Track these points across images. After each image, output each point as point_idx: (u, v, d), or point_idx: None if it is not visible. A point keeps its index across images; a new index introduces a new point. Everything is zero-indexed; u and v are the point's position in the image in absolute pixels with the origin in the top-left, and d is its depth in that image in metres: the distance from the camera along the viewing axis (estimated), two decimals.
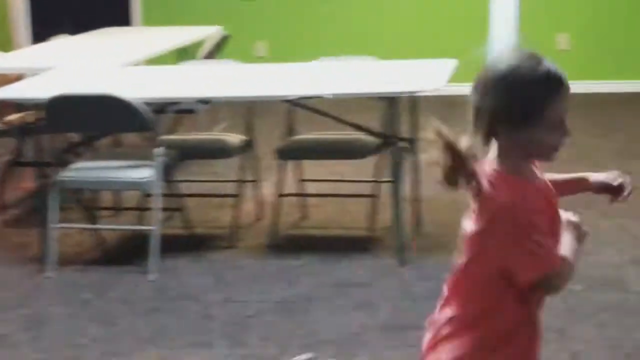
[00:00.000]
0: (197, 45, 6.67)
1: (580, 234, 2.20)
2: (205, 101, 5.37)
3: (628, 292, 4.32)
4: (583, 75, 8.46)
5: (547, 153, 2.16)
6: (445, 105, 7.36)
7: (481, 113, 2.10)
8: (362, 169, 5.16)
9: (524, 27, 7.95)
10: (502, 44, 4.86)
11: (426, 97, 4.96)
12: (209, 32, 6.63)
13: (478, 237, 2.09)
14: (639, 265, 4.62)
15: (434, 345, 2.23)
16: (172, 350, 3.84)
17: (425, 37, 8.30)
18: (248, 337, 3.93)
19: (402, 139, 4.84)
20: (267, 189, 5.31)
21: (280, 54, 7.92)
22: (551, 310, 4.08)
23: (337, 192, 5.37)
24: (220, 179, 5.45)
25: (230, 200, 5.14)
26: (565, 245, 2.15)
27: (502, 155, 2.10)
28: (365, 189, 5.10)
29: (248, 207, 5.31)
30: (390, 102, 4.75)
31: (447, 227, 5.14)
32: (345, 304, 4.24)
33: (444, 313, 2.21)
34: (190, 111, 5.92)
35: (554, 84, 2.09)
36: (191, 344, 3.90)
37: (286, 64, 5.77)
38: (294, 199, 5.35)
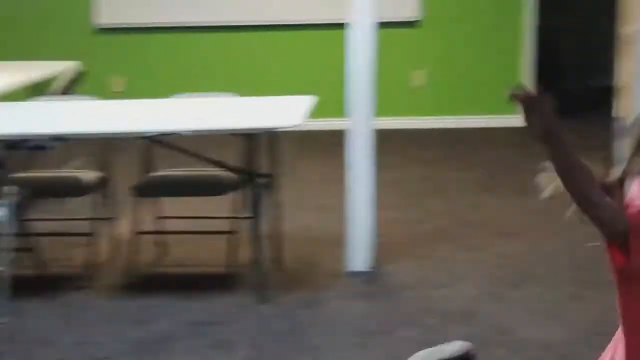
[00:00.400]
0: (51, 80, 6.57)
1: None
2: (59, 138, 5.28)
3: (481, 324, 4.40)
4: (438, 111, 8.69)
5: None
6: (305, 139, 7.51)
7: None
8: (221, 205, 5.15)
9: (380, 65, 8.14)
10: (361, 82, 4.93)
11: (285, 133, 5.01)
12: (64, 67, 6.54)
13: None
14: (493, 299, 4.71)
15: None
16: None
17: (284, 75, 8.38)
18: None
19: (261, 175, 4.89)
20: (124, 227, 5.26)
21: (137, 90, 7.90)
22: (407, 341, 4.20)
23: (195, 230, 5.35)
24: (75, 217, 5.36)
25: (84, 239, 5.07)
26: None
27: None
28: (225, 225, 5.09)
29: (103, 245, 5.23)
30: (249, 139, 4.79)
31: (307, 264, 5.22)
32: (203, 343, 4.21)
33: None
34: (43, 148, 5.84)
35: None
36: None
37: (143, 99, 5.74)
38: (151, 236, 5.29)
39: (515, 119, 8.57)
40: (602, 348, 4.00)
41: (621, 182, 2.20)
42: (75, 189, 5.14)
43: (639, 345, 2.18)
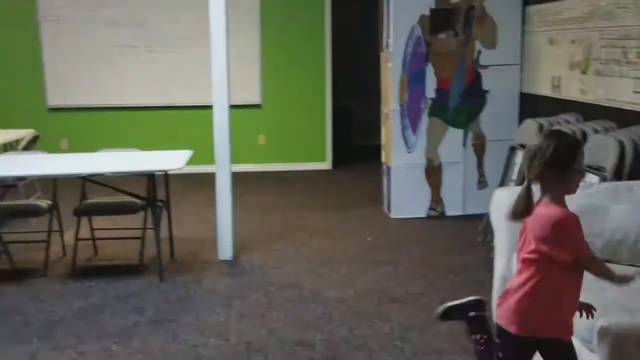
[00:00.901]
0: (19, 141, 6.44)
1: (620, 279, 2.32)
2: (22, 178, 5.22)
3: (302, 290, 4.52)
4: (274, 160, 8.82)
5: (575, 188, 2.32)
6: (185, 179, 7.55)
7: (535, 166, 2.28)
8: (134, 221, 5.14)
9: (239, 131, 8.24)
10: (222, 142, 5.01)
11: (174, 175, 5.08)
12: (26, 133, 6.43)
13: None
14: (309, 274, 4.84)
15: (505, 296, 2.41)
16: None
17: (171, 137, 8.36)
18: (56, 334, 3.85)
19: (159, 201, 4.94)
20: (69, 236, 5.17)
21: (75, 148, 7.78)
22: (256, 302, 4.27)
23: (117, 237, 5.30)
24: (36, 230, 5.25)
25: (43, 244, 4.95)
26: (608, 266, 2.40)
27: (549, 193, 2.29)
28: (137, 233, 5.08)
29: (55, 248, 5.13)
30: (150, 177, 4.82)
31: (191, 256, 5.27)
32: (124, 308, 4.23)
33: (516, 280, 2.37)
34: (13, 186, 5.76)
35: (579, 145, 2.32)
36: (11, 341, 3.79)
37: (79, 153, 5.69)
38: (88, 242, 5.25)
39: (319, 165, 8.82)
40: (380, 302, 4.22)
41: (528, 186, 2.34)
42: (35, 212, 5.06)
43: (544, 288, 2.30)
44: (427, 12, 6.07)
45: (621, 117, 4.62)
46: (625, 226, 3.32)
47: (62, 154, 6.10)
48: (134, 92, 8.54)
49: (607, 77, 4.81)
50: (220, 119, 5.05)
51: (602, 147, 4.27)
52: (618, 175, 4.11)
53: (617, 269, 2.54)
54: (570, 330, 2.37)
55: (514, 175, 5.54)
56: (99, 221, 5.32)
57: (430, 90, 6.20)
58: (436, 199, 6.34)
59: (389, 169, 6.38)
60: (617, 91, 4.69)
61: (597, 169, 4.29)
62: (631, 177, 4.04)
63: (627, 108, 4.56)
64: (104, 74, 8.48)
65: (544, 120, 5.41)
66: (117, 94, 8.53)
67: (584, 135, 4.71)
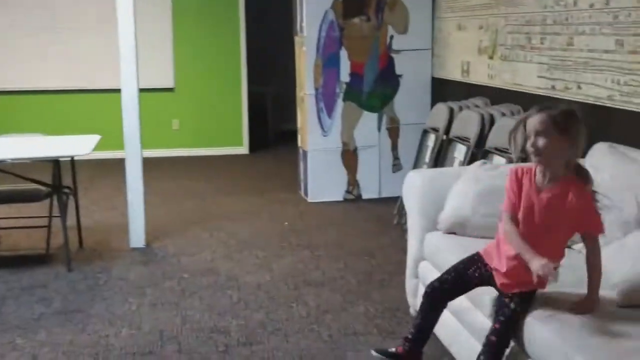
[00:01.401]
0: None
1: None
2: None
3: (218, 276, 4.50)
4: (189, 145, 8.75)
5: None
6: (94, 165, 7.39)
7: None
8: (40, 208, 5.01)
9: (152, 115, 8.11)
10: (131, 126, 4.92)
11: (80, 160, 4.97)
12: None
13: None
14: (226, 259, 4.82)
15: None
16: None
17: (79, 122, 8.14)
18: None
19: (65, 187, 4.81)
20: None
21: None
22: (169, 289, 4.23)
23: (22, 225, 5.15)
24: None
25: None
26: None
27: None
28: (43, 222, 4.96)
29: None
30: (56, 163, 4.70)
31: (101, 244, 5.17)
32: (30, 300, 4.10)
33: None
34: None
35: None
36: None
37: None
38: None
39: (236, 149, 8.80)
40: (296, 285, 4.25)
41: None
42: None
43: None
44: None
45: (526, 101, 4.77)
46: None
47: None
48: (37, 75, 8.28)
49: (512, 62, 4.96)
50: (129, 102, 4.96)
51: (508, 130, 4.41)
52: (523, 157, 4.25)
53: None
54: None
55: (427, 158, 5.67)
56: (3, 210, 5.14)
57: (344, 75, 6.26)
58: (352, 182, 6.42)
59: (305, 153, 6.42)
60: (522, 76, 4.84)
61: (503, 151, 4.44)
62: None
63: (531, 92, 4.72)
64: (7, 56, 8.17)
65: (454, 104, 5.56)
66: (18, 76, 8.25)
67: (492, 119, 4.86)
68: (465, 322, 2.94)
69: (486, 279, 2.67)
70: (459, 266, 2.79)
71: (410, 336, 2.89)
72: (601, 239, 2.88)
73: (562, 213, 2.46)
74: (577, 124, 2.45)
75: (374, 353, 3.04)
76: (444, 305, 2.84)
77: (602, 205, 3.07)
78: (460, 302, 2.87)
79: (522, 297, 2.52)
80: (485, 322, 2.64)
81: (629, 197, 2.98)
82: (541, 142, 2.39)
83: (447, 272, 2.82)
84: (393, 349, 2.96)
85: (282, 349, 3.45)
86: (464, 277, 2.75)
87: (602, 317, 2.40)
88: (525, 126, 2.46)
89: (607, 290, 2.56)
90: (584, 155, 3.53)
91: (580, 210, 2.45)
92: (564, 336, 2.30)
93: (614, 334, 2.28)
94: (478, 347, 2.57)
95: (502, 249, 2.62)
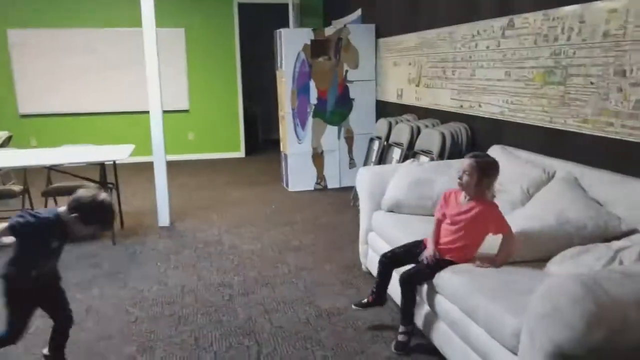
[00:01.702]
0: None
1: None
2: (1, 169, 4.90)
3: (223, 246, 4.49)
4: (200, 151, 8.68)
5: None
6: (131, 167, 7.33)
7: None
8: None
9: (170, 130, 8.04)
10: (157, 138, 4.89)
11: (120, 164, 4.92)
12: (2, 134, 5.98)
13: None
14: (229, 234, 4.81)
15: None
16: None
17: (119, 135, 8.05)
18: None
19: (109, 183, 4.78)
20: None
21: (45, 144, 7.38)
22: (188, 256, 4.20)
23: None
24: (12, 209, 4.93)
25: None
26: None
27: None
28: None
29: None
30: (102, 165, 4.67)
31: (138, 224, 5.12)
32: (87, 264, 4.08)
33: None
34: None
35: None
36: None
37: (45, 148, 5.38)
38: None
39: (235, 154, 8.75)
40: (280, 251, 4.26)
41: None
42: (11, 194, 4.79)
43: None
44: (308, 42, 6.12)
45: (443, 116, 4.83)
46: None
47: (31, 149, 5.72)
48: (90, 101, 8.18)
49: (433, 89, 5.02)
50: (156, 120, 4.93)
51: (430, 137, 4.47)
52: (441, 156, 4.32)
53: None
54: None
55: (373, 158, 5.72)
56: (63, 200, 5.06)
57: (313, 98, 6.26)
58: (320, 176, 6.44)
59: (286, 155, 6.43)
60: (439, 98, 4.89)
61: (427, 152, 4.50)
62: (450, 157, 4.26)
63: (446, 110, 4.78)
64: (65, 88, 8.06)
65: (392, 119, 5.60)
66: (76, 103, 8.14)
67: (419, 129, 4.91)
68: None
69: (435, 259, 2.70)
70: (408, 244, 2.84)
71: (374, 290, 2.97)
72: None
73: (479, 222, 2.59)
74: (494, 170, 2.60)
75: (354, 307, 3.06)
76: (393, 269, 2.87)
77: (498, 190, 3.14)
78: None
79: (438, 262, 2.62)
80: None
81: (515, 183, 3.05)
82: (466, 178, 2.57)
83: (399, 247, 2.88)
84: (365, 300, 3.00)
85: (270, 296, 3.48)
86: (410, 252, 2.78)
87: (497, 269, 2.47)
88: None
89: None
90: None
91: (493, 219, 2.58)
92: (468, 281, 2.36)
93: (507, 280, 2.34)
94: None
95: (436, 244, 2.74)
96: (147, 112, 4.96)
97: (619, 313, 1.65)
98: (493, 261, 2.53)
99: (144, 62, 4.89)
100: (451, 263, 2.59)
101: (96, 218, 2.33)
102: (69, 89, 8.08)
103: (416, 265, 2.69)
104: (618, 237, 2.33)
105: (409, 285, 2.66)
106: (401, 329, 2.73)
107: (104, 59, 8.09)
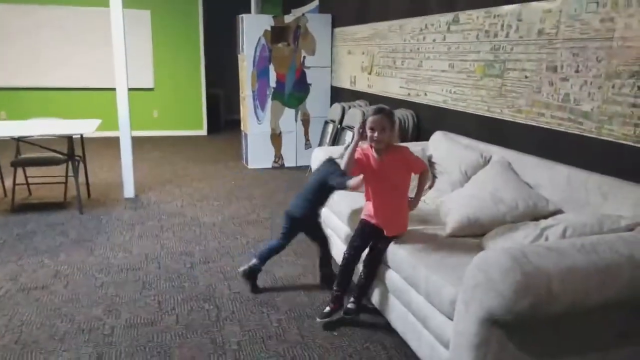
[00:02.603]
0: None
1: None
2: None
3: (185, 217, 4.41)
4: (164, 128, 8.45)
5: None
6: (98, 141, 7.07)
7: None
8: (59, 170, 4.77)
9: (136, 107, 7.77)
10: (124, 114, 4.71)
11: (87, 138, 4.73)
12: None
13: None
14: (191, 206, 4.72)
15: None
16: None
17: (86, 110, 7.74)
18: (1, 253, 3.51)
19: (77, 156, 4.57)
20: (8, 182, 4.72)
21: (15, 117, 7.08)
22: (152, 227, 4.11)
23: (47, 182, 4.89)
24: None
25: None
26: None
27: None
28: (61, 180, 4.74)
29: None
30: (70, 139, 4.45)
31: (104, 195, 4.95)
32: (53, 233, 3.93)
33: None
34: None
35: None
36: None
37: (15, 121, 5.11)
38: (24, 186, 4.82)
39: (198, 131, 8.57)
40: (240, 224, 4.21)
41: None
42: None
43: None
44: (269, 28, 6.00)
45: (392, 103, 4.85)
46: None
47: (1, 121, 5.43)
48: (58, 77, 7.80)
49: (383, 77, 5.02)
50: (122, 96, 4.74)
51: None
52: None
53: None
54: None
55: (327, 139, 5.70)
56: (32, 171, 4.87)
57: (272, 82, 6.17)
58: (278, 155, 6.39)
59: (246, 135, 6.33)
60: (389, 86, 4.91)
61: None
62: (397, 141, 4.28)
63: (395, 97, 4.79)
64: (35, 64, 7.64)
65: (345, 104, 5.59)
66: (44, 79, 7.74)
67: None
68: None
69: (377, 233, 2.60)
70: (361, 234, 2.64)
71: (337, 293, 2.65)
72: (436, 193, 2.99)
73: (398, 167, 2.55)
74: (394, 116, 2.56)
75: (318, 320, 2.65)
76: (354, 267, 2.67)
77: (439, 172, 3.18)
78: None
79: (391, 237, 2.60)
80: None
81: (455, 166, 3.09)
82: (381, 134, 2.48)
83: (354, 240, 2.64)
84: (327, 309, 2.65)
85: (229, 265, 3.44)
86: (366, 241, 2.63)
87: (438, 244, 2.51)
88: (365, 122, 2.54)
89: (441, 226, 2.67)
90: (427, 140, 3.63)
91: (408, 160, 2.58)
92: (412, 254, 2.39)
93: (446, 253, 2.37)
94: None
95: (376, 210, 2.62)
96: (114, 89, 4.76)
97: (543, 283, 1.69)
98: (416, 203, 2.63)
99: (111, 41, 4.68)
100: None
101: None
102: (38, 65, 7.68)
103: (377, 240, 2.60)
104: (545, 217, 2.39)
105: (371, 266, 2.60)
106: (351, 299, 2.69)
107: (72, 37, 7.71)
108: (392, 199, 2.58)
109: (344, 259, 2.66)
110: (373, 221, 2.63)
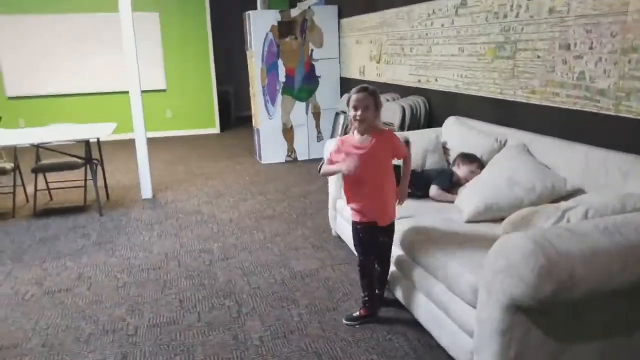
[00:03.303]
0: None
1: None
2: None
3: (202, 215, 4.39)
4: (178, 127, 8.46)
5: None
6: (114, 144, 7.09)
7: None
8: (78, 174, 4.79)
9: (150, 108, 7.78)
10: (138, 116, 4.70)
11: (104, 141, 4.73)
12: None
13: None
14: (207, 204, 4.71)
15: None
16: None
17: (101, 114, 7.78)
18: (25, 257, 3.54)
19: (94, 159, 4.57)
20: (30, 188, 4.75)
21: (30, 125, 7.13)
22: (171, 225, 4.10)
23: (66, 186, 4.92)
24: (4, 185, 4.77)
25: (10, 195, 4.56)
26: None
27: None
28: (81, 183, 4.76)
29: (20, 197, 4.70)
30: (87, 143, 4.45)
31: (122, 197, 4.97)
32: (75, 235, 3.94)
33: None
34: None
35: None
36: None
37: (33, 128, 5.14)
38: (44, 191, 4.84)
39: (211, 130, 8.56)
40: (256, 219, 4.17)
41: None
42: (2, 172, 4.52)
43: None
44: (276, 23, 5.94)
45: (402, 91, 4.78)
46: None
47: (20, 129, 5.46)
48: (72, 83, 7.82)
49: (392, 65, 4.95)
50: (135, 99, 4.72)
51: (391, 110, 4.42)
52: (402, 127, 4.27)
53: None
54: None
55: (339, 131, 5.65)
56: (52, 176, 4.91)
57: (281, 76, 6.12)
58: (291, 149, 6.35)
59: (258, 130, 6.30)
60: (398, 74, 4.83)
61: (388, 124, 4.45)
62: (409, 128, 4.22)
63: (405, 85, 4.72)
64: (50, 71, 7.68)
65: None
66: (58, 85, 7.77)
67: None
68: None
69: (374, 230, 2.44)
70: (361, 242, 2.48)
71: (366, 297, 2.57)
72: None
73: (385, 149, 2.36)
74: (379, 96, 2.37)
75: (345, 322, 2.57)
76: (373, 268, 2.55)
77: (453, 157, 3.11)
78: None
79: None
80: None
81: (469, 152, 3.02)
82: (363, 112, 2.28)
83: (366, 249, 2.48)
84: (357, 313, 2.58)
85: (248, 260, 3.42)
86: (371, 244, 2.48)
87: (456, 230, 2.45)
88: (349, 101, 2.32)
89: (459, 214, 2.61)
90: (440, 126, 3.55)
91: (394, 144, 2.38)
92: (431, 242, 2.33)
93: (465, 240, 2.31)
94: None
95: (364, 204, 2.41)
96: (127, 92, 4.76)
97: (566, 267, 1.63)
98: (404, 194, 2.44)
99: (122, 45, 4.67)
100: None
101: None
102: (53, 72, 7.72)
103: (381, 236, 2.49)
104: (565, 198, 2.32)
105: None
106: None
107: (84, 43, 7.73)
108: (382, 185, 2.37)
109: (360, 266, 2.52)
110: (365, 219, 2.42)
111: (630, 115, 2.41)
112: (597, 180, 2.30)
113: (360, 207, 2.43)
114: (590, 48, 2.58)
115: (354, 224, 2.47)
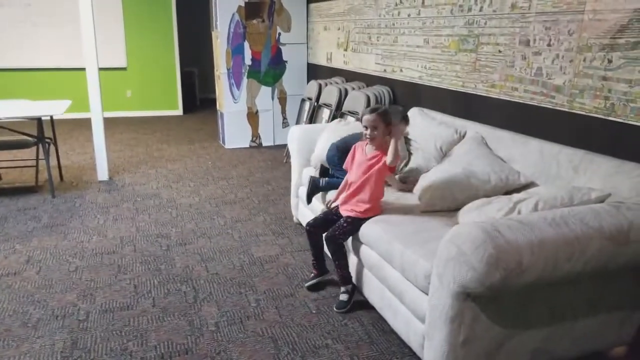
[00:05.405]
0: None
1: None
2: None
3: (161, 199, 4.36)
4: (138, 108, 8.30)
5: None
6: (70, 123, 6.90)
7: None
8: (30, 153, 4.65)
9: (108, 87, 7.60)
10: (94, 94, 4.59)
11: (58, 119, 4.61)
12: None
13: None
14: (166, 188, 4.68)
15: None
16: None
17: (56, 90, 7.55)
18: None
19: (47, 138, 4.46)
20: None
21: None
22: (127, 209, 4.05)
23: (17, 165, 4.78)
24: None
25: None
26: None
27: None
28: (32, 163, 4.63)
29: None
30: (39, 120, 4.34)
31: (77, 178, 4.87)
32: (24, 218, 3.84)
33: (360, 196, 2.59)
34: None
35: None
36: None
37: None
38: None
39: (173, 111, 8.44)
40: (217, 204, 4.18)
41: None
42: None
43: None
44: (242, 4, 5.89)
45: (368, 79, 4.83)
46: None
47: None
48: (25, 57, 7.55)
49: (359, 53, 4.99)
50: (92, 76, 4.61)
51: (357, 99, 4.47)
52: None
53: None
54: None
55: (304, 117, 5.67)
56: (1, 155, 4.76)
57: (247, 59, 6.08)
58: (255, 134, 6.33)
59: (222, 114, 6.25)
60: (365, 63, 4.88)
61: (353, 113, 4.50)
62: None
63: (371, 74, 4.77)
64: (1, 43, 7.42)
65: (322, 81, 5.54)
66: (11, 59, 7.49)
67: (346, 91, 4.90)
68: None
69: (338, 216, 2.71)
70: (325, 210, 2.83)
71: (314, 262, 2.86)
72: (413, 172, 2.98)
73: (376, 163, 2.60)
74: (390, 117, 2.60)
75: (306, 287, 2.84)
76: (320, 236, 2.76)
77: (415, 148, 3.19)
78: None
79: (354, 219, 2.61)
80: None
81: (430, 142, 3.11)
82: (373, 132, 2.56)
83: (318, 216, 2.82)
84: (312, 276, 2.88)
85: (207, 246, 3.43)
86: (328, 216, 2.74)
87: (413, 219, 2.52)
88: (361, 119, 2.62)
89: (416, 202, 2.69)
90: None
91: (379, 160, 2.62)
92: (387, 229, 2.40)
93: (421, 228, 2.39)
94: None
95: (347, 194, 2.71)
96: (84, 68, 4.64)
97: (514, 256, 1.72)
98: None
99: (79, 18, 4.54)
100: (367, 218, 2.59)
101: None
102: (4, 44, 7.43)
103: (337, 224, 2.66)
104: (518, 190, 2.43)
105: (334, 244, 2.60)
106: (342, 289, 2.67)
107: (37, 14, 7.46)
108: (364, 187, 2.62)
109: (307, 230, 2.80)
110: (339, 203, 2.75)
111: (582, 112, 2.53)
112: (550, 174, 2.41)
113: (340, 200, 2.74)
114: (549, 45, 2.69)
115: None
